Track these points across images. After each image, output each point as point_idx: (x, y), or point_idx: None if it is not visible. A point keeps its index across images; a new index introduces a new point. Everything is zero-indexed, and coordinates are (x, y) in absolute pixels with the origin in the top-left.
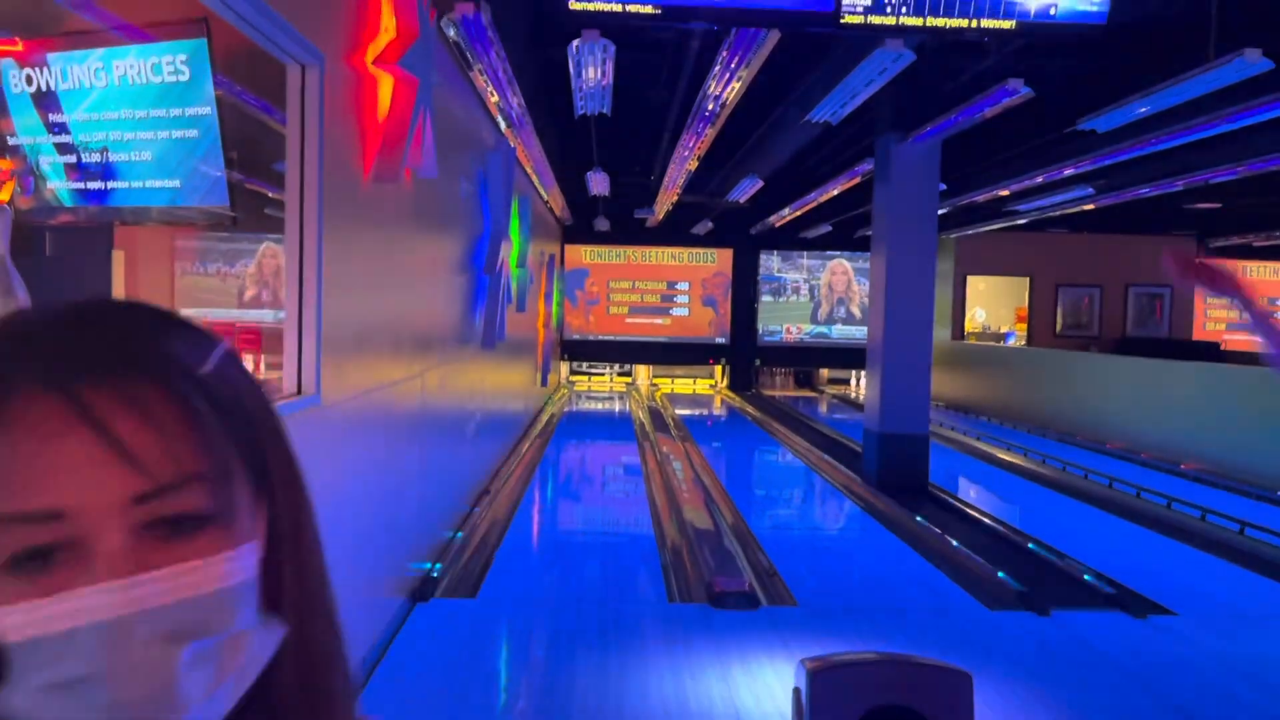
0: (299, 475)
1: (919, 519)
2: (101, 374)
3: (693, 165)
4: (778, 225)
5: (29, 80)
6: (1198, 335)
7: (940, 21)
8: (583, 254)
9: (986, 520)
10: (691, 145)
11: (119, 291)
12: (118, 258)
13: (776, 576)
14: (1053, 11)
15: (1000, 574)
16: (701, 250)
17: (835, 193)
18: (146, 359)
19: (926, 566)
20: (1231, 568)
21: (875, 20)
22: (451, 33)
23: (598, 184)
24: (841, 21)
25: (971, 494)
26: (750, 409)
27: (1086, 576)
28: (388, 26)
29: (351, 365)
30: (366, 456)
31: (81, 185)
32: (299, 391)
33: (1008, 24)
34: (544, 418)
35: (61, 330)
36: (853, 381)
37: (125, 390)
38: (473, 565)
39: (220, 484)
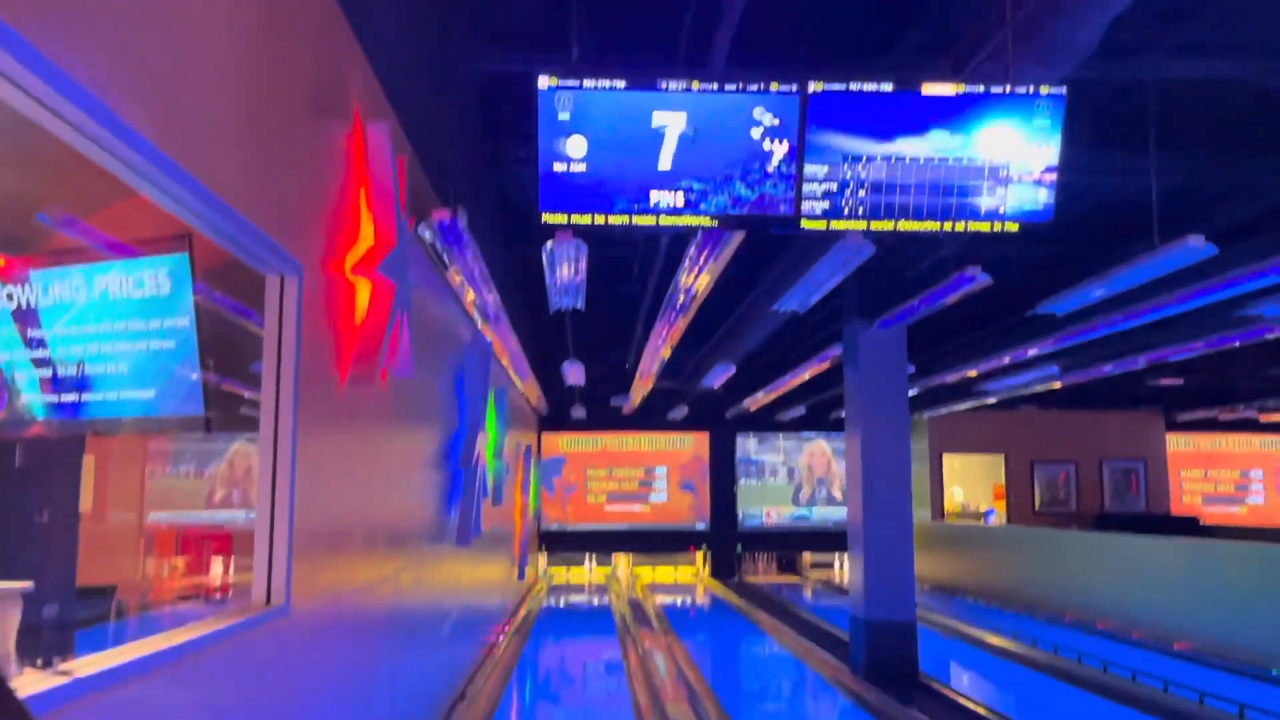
0: None
1: (912, 711)
2: None
3: (666, 353)
4: (752, 409)
5: (9, 297)
6: (1175, 509)
7: (888, 225)
8: (559, 442)
9: (981, 711)
10: (664, 334)
11: (88, 499)
12: (88, 464)
13: None
14: (1001, 210)
15: None
16: (678, 435)
17: (807, 376)
18: None
19: None
20: None
21: (836, 225)
22: (428, 235)
23: (573, 374)
24: (802, 225)
25: (964, 681)
26: (734, 597)
27: None
28: (366, 235)
29: (323, 569)
30: (336, 667)
31: (56, 398)
32: (268, 601)
33: (960, 226)
34: (522, 613)
35: None
36: (836, 564)
37: None
38: None
39: None
